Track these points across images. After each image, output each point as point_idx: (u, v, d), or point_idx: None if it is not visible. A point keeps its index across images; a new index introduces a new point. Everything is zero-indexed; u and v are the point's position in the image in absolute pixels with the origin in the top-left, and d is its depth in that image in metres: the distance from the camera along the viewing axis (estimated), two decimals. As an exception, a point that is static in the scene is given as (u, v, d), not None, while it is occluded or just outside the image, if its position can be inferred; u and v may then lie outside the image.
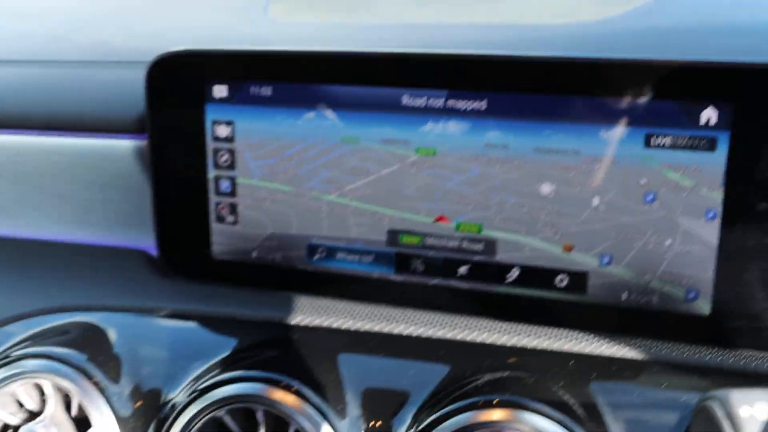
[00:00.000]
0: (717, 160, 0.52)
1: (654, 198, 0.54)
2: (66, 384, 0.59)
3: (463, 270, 0.59)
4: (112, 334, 0.62)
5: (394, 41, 0.66)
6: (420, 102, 0.57)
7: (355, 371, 0.57)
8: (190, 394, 0.57)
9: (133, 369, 0.60)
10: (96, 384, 0.59)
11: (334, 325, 0.60)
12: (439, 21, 0.70)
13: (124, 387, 0.59)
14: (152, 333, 0.62)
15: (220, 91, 0.61)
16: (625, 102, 0.52)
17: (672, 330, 0.55)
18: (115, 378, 0.59)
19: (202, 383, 0.58)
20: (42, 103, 0.68)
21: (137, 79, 0.65)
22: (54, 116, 0.68)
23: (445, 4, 0.76)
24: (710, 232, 0.53)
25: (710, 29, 0.61)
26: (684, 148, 0.52)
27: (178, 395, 0.59)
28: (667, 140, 0.52)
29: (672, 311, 0.55)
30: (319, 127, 0.59)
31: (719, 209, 0.52)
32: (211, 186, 0.63)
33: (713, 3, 0.68)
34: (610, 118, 0.53)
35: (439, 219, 0.59)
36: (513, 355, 0.56)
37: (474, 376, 0.55)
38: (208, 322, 0.62)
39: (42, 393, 0.62)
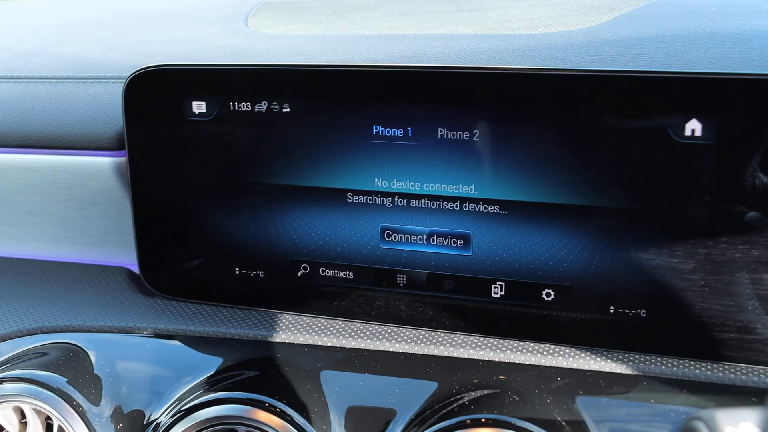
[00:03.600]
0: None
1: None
2: (46, 407, 0.58)
3: (448, 285, 0.58)
4: (93, 355, 0.61)
5: (375, 53, 0.65)
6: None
7: (340, 390, 0.56)
8: (174, 415, 0.56)
9: (115, 390, 0.59)
10: (76, 407, 0.58)
11: (318, 343, 0.59)
12: (422, 31, 0.69)
13: (105, 409, 0.58)
14: (134, 353, 0.61)
15: (198, 107, 0.60)
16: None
17: (660, 342, 0.55)
18: (96, 400, 0.58)
19: (186, 404, 0.57)
20: (18, 120, 0.67)
21: (116, 94, 0.64)
22: (31, 134, 0.67)
23: (428, 15, 0.75)
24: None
25: (694, 38, 0.61)
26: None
27: (161, 416, 0.57)
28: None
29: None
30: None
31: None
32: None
33: (696, 12, 0.67)
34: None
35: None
36: (500, 371, 0.55)
37: (461, 393, 0.54)
38: (191, 341, 0.61)
39: (22, 416, 0.61)
